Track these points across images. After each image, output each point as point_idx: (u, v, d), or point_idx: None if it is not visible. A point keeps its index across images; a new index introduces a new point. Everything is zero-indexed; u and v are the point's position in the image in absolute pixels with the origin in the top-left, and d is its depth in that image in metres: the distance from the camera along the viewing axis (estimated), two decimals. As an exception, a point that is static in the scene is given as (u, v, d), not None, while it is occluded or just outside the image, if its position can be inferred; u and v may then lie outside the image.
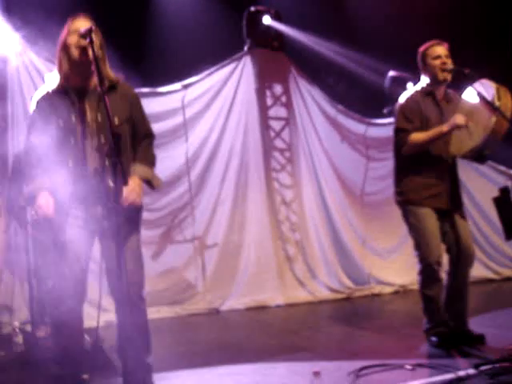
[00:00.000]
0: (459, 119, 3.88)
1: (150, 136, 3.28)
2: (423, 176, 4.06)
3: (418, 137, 3.98)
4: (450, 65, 4.04)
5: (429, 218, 4.03)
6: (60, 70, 3.05)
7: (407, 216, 4.15)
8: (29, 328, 4.74)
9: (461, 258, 4.05)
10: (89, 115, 3.00)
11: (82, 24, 2.99)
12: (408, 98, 4.15)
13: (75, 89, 3.03)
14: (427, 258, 4.00)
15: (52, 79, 3.10)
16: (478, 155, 4.03)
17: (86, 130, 2.97)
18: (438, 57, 4.07)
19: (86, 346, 3.93)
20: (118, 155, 2.64)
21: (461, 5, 7.61)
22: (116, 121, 2.99)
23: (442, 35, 4.26)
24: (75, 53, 2.96)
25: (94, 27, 2.90)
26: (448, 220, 4.09)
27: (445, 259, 4.12)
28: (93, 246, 3.14)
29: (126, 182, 2.72)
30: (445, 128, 3.93)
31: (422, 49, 4.18)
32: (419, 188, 4.06)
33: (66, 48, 3.01)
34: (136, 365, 2.93)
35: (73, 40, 2.98)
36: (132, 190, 3.03)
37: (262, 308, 6.46)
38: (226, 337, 5.18)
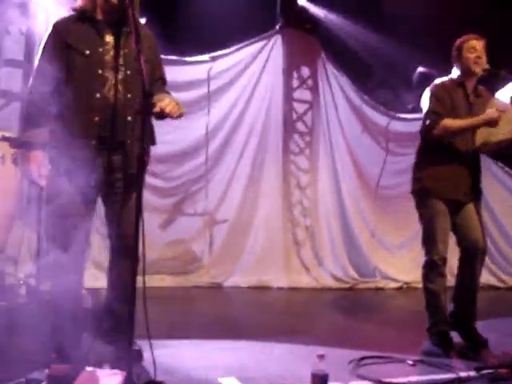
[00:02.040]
0: (494, 113, 3.83)
1: (163, 80, 3.21)
2: (445, 165, 3.99)
3: (451, 123, 3.91)
4: (484, 60, 3.99)
5: (442, 214, 3.98)
6: (90, 1, 2.94)
7: (421, 207, 4.10)
8: (33, 281, 4.75)
9: (470, 250, 4.00)
10: (115, 49, 2.91)
11: None
12: (440, 84, 4.09)
13: (103, 21, 2.94)
14: (433, 252, 3.97)
15: (75, 7, 2.98)
16: (499, 152, 4.00)
17: (113, 63, 2.90)
18: (474, 50, 4.01)
19: (88, 306, 3.95)
20: (149, 113, 2.59)
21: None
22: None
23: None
24: None
25: None
26: (462, 211, 4.04)
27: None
28: (96, 203, 3.06)
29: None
30: (479, 119, 3.88)
31: (458, 41, 4.11)
32: (439, 177, 4.00)
33: None
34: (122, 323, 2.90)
35: None
36: (169, 102, 2.88)
37: (264, 288, 6.46)
38: (226, 312, 5.20)
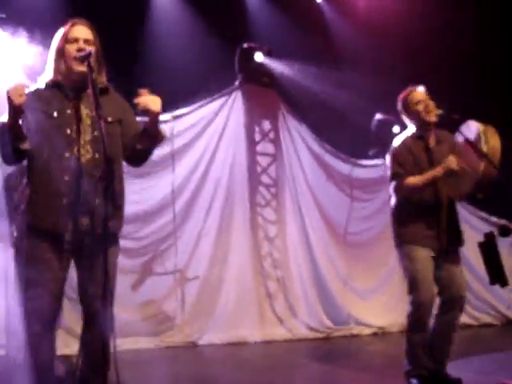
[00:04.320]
0: (452, 163, 3.89)
1: None
2: (420, 219, 4.03)
3: (412, 180, 3.98)
4: (432, 106, 4.07)
5: (423, 261, 3.99)
6: (54, 70, 2.96)
7: (403, 259, 4.10)
8: (3, 352, 4.65)
9: (453, 302, 4.02)
10: (83, 111, 2.96)
11: (82, 32, 2.96)
12: (399, 144, 4.16)
13: (69, 86, 2.97)
14: (418, 300, 3.96)
15: (41, 76, 3.02)
16: (472, 198, 4.05)
17: (81, 124, 2.93)
18: (419, 102, 4.09)
19: (60, 374, 3.86)
20: (111, 180, 2.62)
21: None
22: (109, 119, 2.97)
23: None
24: (73, 64, 2.91)
25: (92, 51, 2.88)
26: (444, 263, 4.05)
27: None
28: (69, 267, 3.03)
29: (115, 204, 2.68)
30: (438, 171, 3.93)
31: (401, 97, 4.20)
32: (417, 230, 4.03)
33: (62, 54, 2.95)
34: None
35: (72, 49, 2.92)
36: (152, 98, 2.90)
37: (240, 344, 6.39)
38: (202, 372, 5.12)
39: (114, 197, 2.89)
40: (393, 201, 4.20)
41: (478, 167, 3.81)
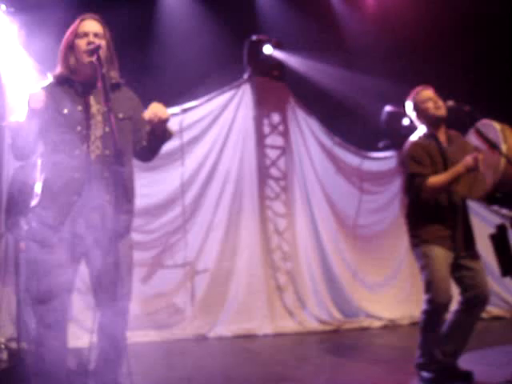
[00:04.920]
0: (469, 159, 3.81)
1: None
2: (436, 219, 3.99)
3: (436, 180, 3.91)
4: (442, 103, 4.02)
5: (441, 261, 3.95)
6: (64, 65, 2.99)
7: (420, 258, 4.05)
8: (14, 345, 4.67)
9: (477, 301, 3.99)
10: (94, 106, 2.97)
11: (92, 26, 2.97)
12: (414, 143, 4.09)
13: (80, 82, 2.99)
14: (435, 301, 3.92)
15: (52, 72, 3.05)
16: (490, 197, 3.99)
17: (91, 120, 2.95)
18: (429, 99, 4.06)
19: (71, 367, 3.88)
20: (121, 175, 2.64)
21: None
22: (120, 115, 2.98)
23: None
24: (83, 57, 2.93)
25: (102, 44, 2.90)
26: (464, 263, 4.01)
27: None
28: (79, 263, 3.05)
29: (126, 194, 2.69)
30: (461, 168, 3.85)
31: (410, 99, 4.17)
32: (433, 230, 3.99)
33: (73, 48, 2.97)
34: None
35: (81, 44, 2.94)
36: (156, 106, 2.92)
37: (249, 336, 6.41)
38: (212, 364, 5.13)
39: (124, 192, 2.90)
40: (407, 201, 4.16)
41: (497, 167, 3.74)
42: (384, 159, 7.82)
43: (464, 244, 4.03)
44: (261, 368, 4.89)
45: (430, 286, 3.96)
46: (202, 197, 6.71)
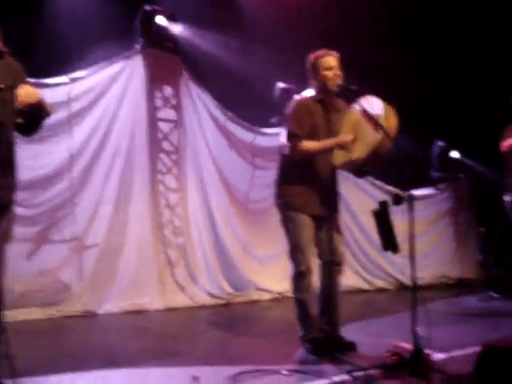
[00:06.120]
0: (346, 137, 3.97)
1: None
2: (303, 182, 4.13)
3: (308, 145, 4.05)
4: (340, 75, 4.12)
5: (306, 227, 4.12)
6: None
7: (285, 221, 4.22)
8: None
9: (333, 264, 4.18)
10: None
11: None
12: (299, 104, 4.18)
13: None
14: (300, 263, 4.10)
15: None
16: (358, 169, 4.15)
17: None
18: (331, 68, 4.12)
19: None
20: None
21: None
22: (1, 85, 2.84)
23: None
24: None
25: None
26: (323, 226, 4.19)
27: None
28: None
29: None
30: (333, 142, 4.01)
31: (313, 57, 4.19)
32: (298, 193, 4.14)
33: None
34: None
35: None
36: (25, 90, 2.86)
37: (140, 312, 6.33)
38: (101, 341, 5.04)
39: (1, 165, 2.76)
40: (280, 158, 4.26)
41: (372, 141, 3.86)
42: (276, 135, 7.89)
43: (327, 211, 4.20)
44: (151, 343, 4.86)
45: (295, 251, 4.14)
46: (90, 170, 6.50)
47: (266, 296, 7.36)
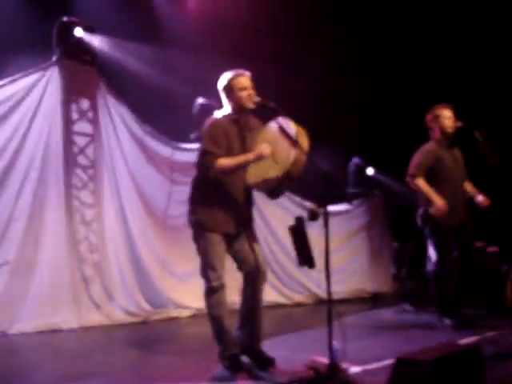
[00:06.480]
0: (265, 149, 4.01)
1: None
2: (216, 201, 4.13)
3: (225, 162, 4.04)
4: (254, 95, 4.18)
5: (217, 244, 4.11)
6: None
7: (197, 237, 4.20)
8: None
9: (251, 273, 4.19)
10: None
11: None
12: (215, 123, 4.19)
13: None
14: (211, 280, 4.09)
15: None
16: (271, 190, 4.15)
17: None
18: (245, 88, 4.17)
19: None
20: None
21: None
22: None
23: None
24: None
25: None
26: (238, 241, 4.21)
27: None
28: None
29: None
30: (251, 156, 4.03)
31: (226, 78, 4.22)
32: (211, 212, 4.12)
33: None
34: None
35: None
36: None
37: (54, 331, 6.13)
38: (12, 362, 4.83)
39: None
40: (195, 176, 4.27)
41: (287, 159, 3.91)
42: (195, 150, 7.88)
43: (240, 227, 4.21)
44: (64, 364, 4.70)
45: (207, 267, 4.12)
46: (2, 184, 6.27)
47: (186, 313, 7.30)
